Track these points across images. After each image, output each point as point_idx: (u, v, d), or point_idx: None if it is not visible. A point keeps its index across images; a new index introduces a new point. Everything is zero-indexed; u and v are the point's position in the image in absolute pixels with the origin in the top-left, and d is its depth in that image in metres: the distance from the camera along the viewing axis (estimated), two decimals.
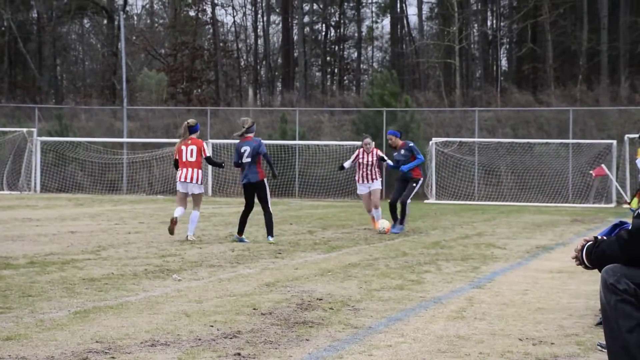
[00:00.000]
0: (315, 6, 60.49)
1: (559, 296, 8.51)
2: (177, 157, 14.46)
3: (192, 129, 14.44)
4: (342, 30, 60.89)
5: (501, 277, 9.95)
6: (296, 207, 26.60)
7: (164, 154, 34.85)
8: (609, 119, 37.20)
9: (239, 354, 5.75)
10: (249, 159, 13.76)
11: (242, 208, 14.31)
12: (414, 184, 16.64)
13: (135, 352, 5.77)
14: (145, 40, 54.57)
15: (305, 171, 34.23)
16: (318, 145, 34.85)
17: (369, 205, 16.87)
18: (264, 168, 14.34)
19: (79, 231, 15.53)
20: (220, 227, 17.17)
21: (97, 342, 6.06)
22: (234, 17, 77.37)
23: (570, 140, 33.67)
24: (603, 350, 5.76)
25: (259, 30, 60.47)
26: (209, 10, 58.79)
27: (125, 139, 37.18)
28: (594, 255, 4.84)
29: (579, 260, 4.94)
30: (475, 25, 54.07)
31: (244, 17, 62.29)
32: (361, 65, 61.08)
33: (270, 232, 13.93)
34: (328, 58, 61.39)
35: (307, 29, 57.72)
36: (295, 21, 56.13)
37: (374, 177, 16.70)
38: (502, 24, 56.95)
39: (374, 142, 17.10)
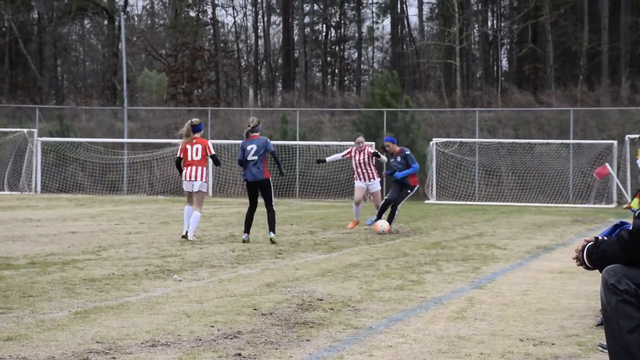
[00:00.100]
0: (315, 7, 60.51)
1: (560, 297, 8.51)
2: (180, 156, 14.51)
3: (195, 128, 14.49)
4: (342, 30, 60.92)
5: (502, 278, 9.95)
6: (297, 207, 26.60)
7: (164, 154, 34.86)
8: (609, 119, 37.20)
9: (239, 355, 5.75)
10: (255, 157, 13.83)
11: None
12: (409, 191, 16.73)
13: (135, 353, 5.77)
14: (146, 41, 54.58)
15: (306, 172, 34.23)
16: (319, 145, 34.85)
17: (359, 198, 16.95)
18: (271, 167, 14.38)
19: (80, 231, 15.53)
20: (220, 227, 17.17)
21: (97, 342, 6.06)
22: (234, 17, 77.55)
23: (571, 141, 33.67)
24: (604, 350, 5.75)
25: (259, 30, 60.53)
26: (209, 10, 58.87)
27: (125, 140, 37.19)
28: (595, 256, 4.84)
29: (579, 260, 4.94)
30: (476, 25, 54.08)
31: (245, 18, 62.37)
32: (362, 66, 61.12)
33: (272, 228, 13.94)
34: (328, 58, 61.41)
35: (307, 29, 57.73)
36: (296, 22, 56.14)
37: (371, 176, 16.78)
38: (502, 24, 56.95)
39: (365, 142, 17.20)
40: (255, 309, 7.49)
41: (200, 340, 6.19)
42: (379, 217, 16.53)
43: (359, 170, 16.80)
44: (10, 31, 56.18)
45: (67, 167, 35.67)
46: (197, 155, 14.34)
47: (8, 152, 35.45)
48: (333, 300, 8.04)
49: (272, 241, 13.68)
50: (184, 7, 56.41)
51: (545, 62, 48.35)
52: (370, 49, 63.18)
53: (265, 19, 60.17)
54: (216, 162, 14.88)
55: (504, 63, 58.83)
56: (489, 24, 56.77)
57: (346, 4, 60.90)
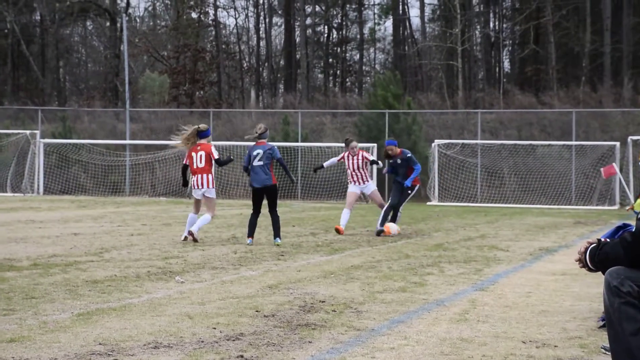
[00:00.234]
0: (317, 8, 60.54)
1: (562, 299, 8.50)
2: (186, 163, 14.55)
3: (202, 134, 14.49)
4: (344, 32, 60.96)
5: (504, 280, 9.94)
6: (298, 209, 26.60)
7: (166, 155, 34.87)
8: (612, 120, 37.17)
9: (241, 356, 5.75)
10: (260, 162, 13.91)
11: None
12: (409, 191, 16.72)
13: (138, 354, 5.77)
14: (148, 43, 54.62)
15: (308, 173, 34.21)
16: (320, 147, 34.85)
17: (351, 202, 16.90)
18: (277, 172, 14.41)
19: (82, 233, 15.54)
20: (222, 229, 17.18)
21: (100, 344, 6.06)
22: (236, 19, 77.56)
23: (574, 142, 33.64)
24: (607, 353, 5.75)
25: (261, 32, 60.56)
26: (211, 12, 58.90)
27: (127, 141, 37.20)
28: (598, 258, 4.83)
29: (582, 262, 4.94)
30: (478, 26, 54.09)
31: (246, 19, 62.45)
32: (363, 67, 61.14)
33: (277, 234, 13.98)
34: (330, 60, 61.45)
35: (309, 30, 57.75)
36: (298, 23, 56.16)
37: (365, 179, 16.79)
38: (504, 25, 56.96)
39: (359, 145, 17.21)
40: (257, 311, 7.49)
41: (202, 342, 6.19)
42: (384, 222, 16.44)
43: (353, 174, 16.80)
44: (12, 33, 56.25)
45: (70, 168, 35.69)
46: (201, 162, 14.36)
47: (11, 153, 35.48)
48: (335, 302, 8.04)
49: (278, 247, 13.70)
50: (186, 8, 56.44)
51: (548, 63, 48.34)
52: (372, 50, 63.25)
53: (267, 20, 60.24)
54: (223, 163, 14.85)
55: (506, 64, 58.89)
56: (491, 25, 56.81)
57: (348, 6, 60.94)
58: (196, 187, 14.42)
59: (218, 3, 59.49)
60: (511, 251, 13.43)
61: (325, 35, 61.37)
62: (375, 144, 33.11)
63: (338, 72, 61.35)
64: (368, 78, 60.14)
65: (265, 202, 14.12)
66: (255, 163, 13.94)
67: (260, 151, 13.98)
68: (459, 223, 20.52)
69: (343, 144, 17.26)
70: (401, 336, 6.50)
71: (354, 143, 16.91)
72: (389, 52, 61.39)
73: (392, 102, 36.22)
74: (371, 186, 17.03)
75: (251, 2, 61.23)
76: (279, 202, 14.46)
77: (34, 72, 57.31)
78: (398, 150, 16.80)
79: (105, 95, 53.87)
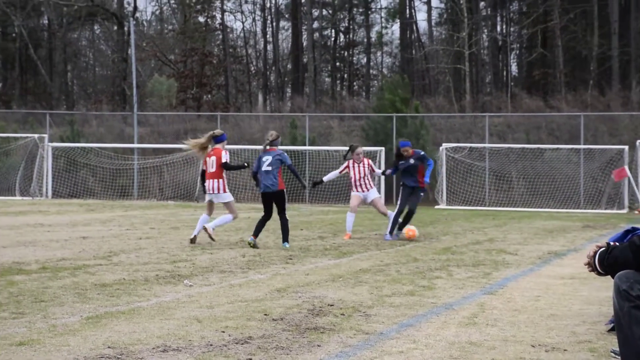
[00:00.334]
0: (324, 12, 60.60)
1: (571, 302, 8.48)
2: (204, 168, 14.79)
3: (217, 139, 14.63)
4: (351, 35, 61.00)
5: (513, 283, 9.92)
6: (306, 212, 26.61)
7: (174, 159, 34.92)
8: (620, 124, 37.09)
9: None
10: (268, 168, 14.01)
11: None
12: (421, 193, 16.68)
13: (147, 358, 5.78)
14: (155, 47, 54.73)
15: (316, 177, 34.16)
16: (328, 150, 34.85)
17: (355, 205, 16.78)
18: (286, 178, 14.46)
19: (91, 237, 15.57)
20: (230, 232, 17.19)
21: (109, 347, 6.08)
22: (243, 23, 77.82)
23: (582, 146, 33.58)
24: (616, 357, 5.74)
25: (268, 36, 60.64)
26: (218, 16, 59.01)
27: (135, 145, 37.26)
28: (607, 262, 4.83)
29: (591, 266, 4.93)
30: (485, 30, 54.04)
31: (254, 23, 62.59)
32: (370, 71, 61.16)
33: (285, 238, 14.04)
34: (337, 63, 61.48)
35: (316, 34, 57.82)
36: (305, 27, 56.22)
37: (369, 186, 16.65)
38: (512, 29, 56.92)
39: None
40: (266, 314, 7.49)
41: (211, 345, 6.20)
42: (395, 226, 16.34)
43: (358, 182, 16.60)
44: (20, 37, 56.45)
45: (78, 172, 35.76)
46: (212, 167, 14.58)
47: (19, 157, 35.57)
48: (344, 306, 8.03)
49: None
50: (193, 12, 56.55)
51: (555, 67, 48.27)
52: (379, 54, 63.26)
53: (274, 24, 60.31)
54: (232, 168, 14.85)
55: (514, 68, 58.84)
56: (498, 28, 56.77)
57: (355, 9, 60.98)
58: (208, 191, 14.62)
59: (225, 7, 59.63)
60: (520, 255, 13.41)
61: (333, 38, 61.44)
62: (383, 148, 33.10)
63: (345, 75, 61.39)
64: (375, 82, 60.17)
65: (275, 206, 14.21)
66: (264, 168, 14.06)
67: (270, 157, 14.09)
68: (467, 227, 20.49)
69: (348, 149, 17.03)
70: (410, 340, 6.50)
71: (359, 149, 16.66)
72: (396, 56, 61.41)
73: (399, 106, 36.22)
74: (374, 193, 16.84)
75: (258, 6, 61.39)
76: (288, 205, 14.49)
77: (41, 76, 57.48)
78: (411, 150, 16.72)
79: (113, 99, 53.98)
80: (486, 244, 15.33)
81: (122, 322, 7.05)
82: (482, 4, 54.89)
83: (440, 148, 33.51)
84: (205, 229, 14.19)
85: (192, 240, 14.36)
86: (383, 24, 62.83)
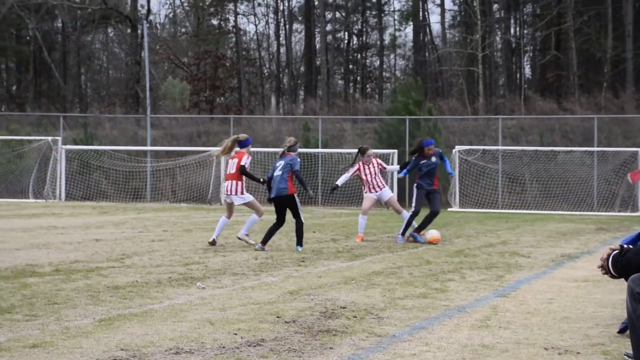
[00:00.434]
0: (337, 14, 60.61)
1: (585, 305, 8.45)
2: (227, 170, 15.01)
3: (241, 144, 14.72)
4: (364, 38, 60.99)
5: (526, 286, 9.90)
6: (319, 215, 26.61)
7: (187, 162, 34.99)
8: (634, 126, 36.94)
9: None
10: (280, 172, 13.97)
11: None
12: (439, 194, 16.63)
13: None
14: (169, 49, 54.87)
15: (328, 179, 34.22)
16: (341, 153, 34.84)
17: (367, 208, 16.74)
18: (297, 184, 14.41)
19: (104, 239, 15.61)
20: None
21: (122, 349, 6.09)
22: (256, 25, 77.78)
23: (595, 148, 33.46)
24: (630, 359, 5.71)
25: (281, 38, 60.70)
26: (231, 19, 59.09)
27: (148, 147, 37.36)
28: (620, 264, 4.81)
29: (605, 269, 4.92)
30: (499, 32, 53.94)
31: (267, 26, 62.52)
32: (384, 73, 61.13)
33: (299, 242, 14.00)
34: (350, 66, 61.48)
35: (329, 37, 57.83)
36: (318, 29, 56.25)
37: (381, 185, 16.62)
38: (525, 31, 56.79)
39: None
40: (278, 317, 7.49)
41: (223, 347, 6.20)
42: (408, 228, 16.28)
43: (370, 183, 16.57)
44: (34, 40, 56.70)
45: (91, 174, 35.88)
46: (232, 169, 14.69)
47: (33, 160, 35.71)
48: (356, 308, 8.03)
49: None
50: (206, 15, 56.67)
51: (569, 69, 48.11)
52: (392, 56, 63.22)
53: (287, 27, 60.35)
54: (248, 175, 14.69)
55: (527, 70, 58.70)
56: (512, 31, 56.64)
57: (368, 12, 60.98)
58: (226, 192, 14.77)
59: (238, 10, 59.73)
60: (533, 257, 13.37)
61: (346, 41, 61.45)
62: (396, 151, 33.08)
63: (358, 78, 61.38)
64: (388, 84, 60.14)
65: (289, 213, 14.11)
66: (276, 173, 14.06)
67: (283, 162, 14.07)
68: (480, 229, 20.45)
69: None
70: (422, 342, 6.49)
71: (370, 151, 16.61)
72: (409, 58, 61.38)
73: (412, 108, 36.18)
74: (387, 192, 16.83)
75: (271, 8, 61.43)
76: (302, 208, 14.44)
77: (55, 79, 57.72)
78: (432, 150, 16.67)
79: (126, 101, 54.13)
80: (499, 247, 15.30)
81: (135, 324, 7.07)
82: (495, 6, 54.79)
83: (453, 150, 33.44)
84: (240, 239, 14.18)
85: (212, 243, 14.42)
86: (396, 27, 62.86)
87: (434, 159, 16.37)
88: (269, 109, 54.94)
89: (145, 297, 8.53)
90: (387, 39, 61.71)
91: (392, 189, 29.63)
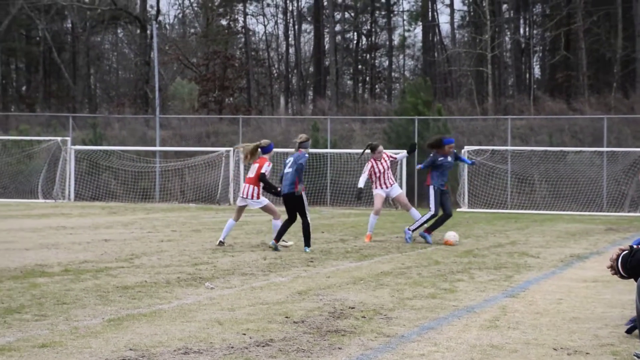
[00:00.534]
0: (346, 15, 60.60)
1: (594, 305, 8.43)
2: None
3: (263, 150, 14.72)
4: (373, 38, 60.96)
5: (535, 286, 9.88)
6: (328, 215, 26.61)
7: (196, 162, 35.03)
8: None
9: None
10: (289, 170, 13.97)
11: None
12: (450, 196, 16.59)
13: None
14: (178, 50, 54.94)
15: (337, 180, 34.21)
16: (350, 153, 34.82)
17: (379, 207, 16.65)
18: (307, 180, 14.44)
19: (113, 239, 15.64)
20: (252, 235, 17.22)
21: (130, 349, 6.10)
22: (265, 26, 77.90)
23: (605, 149, 33.36)
24: None
25: (290, 39, 60.71)
26: (240, 19, 59.14)
27: (157, 148, 37.41)
28: (630, 265, 4.80)
29: (614, 269, 4.90)
30: (508, 33, 53.84)
31: (276, 26, 62.54)
32: (393, 74, 61.09)
33: (307, 243, 13.98)
34: (360, 66, 61.46)
35: (338, 37, 57.83)
36: (327, 30, 56.23)
37: (391, 181, 16.61)
38: (535, 31, 56.66)
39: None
40: (287, 317, 7.49)
41: (232, 347, 6.21)
42: (421, 227, 16.23)
43: (380, 178, 16.56)
44: (44, 40, 56.84)
45: (100, 175, 35.94)
46: (252, 173, 14.65)
47: (42, 160, 35.80)
48: (365, 309, 8.02)
49: None
50: (215, 16, 56.72)
51: (579, 69, 47.98)
52: (401, 56, 63.17)
53: (296, 27, 60.37)
54: (266, 183, 14.53)
55: (537, 70, 58.56)
56: (521, 31, 56.50)
57: (377, 12, 60.94)
58: (241, 194, 14.75)
59: (247, 10, 59.77)
60: (542, 258, 13.34)
61: (355, 41, 61.42)
62: (405, 151, 33.00)
63: (367, 78, 61.35)
64: (397, 84, 60.08)
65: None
66: (286, 170, 14.07)
67: (292, 159, 14.06)
68: (489, 229, 20.42)
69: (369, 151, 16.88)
70: (431, 343, 6.48)
71: (380, 147, 16.68)
72: (419, 59, 61.30)
73: (422, 108, 36.14)
74: (397, 189, 16.82)
75: (280, 9, 61.47)
76: (310, 208, 14.42)
77: (65, 79, 57.86)
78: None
79: (135, 102, 54.22)
80: (508, 247, 15.27)
81: (144, 324, 7.08)
82: (504, 6, 54.68)
83: (463, 151, 33.35)
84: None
85: (220, 244, 14.45)
86: (405, 27, 62.80)
87: (449, 158, 16.34)
88: (278, 109, 54.96)
89: (154, 297, 8.54)
90: (396, 39, 61.69)
91: (400, 185, 29.65)
